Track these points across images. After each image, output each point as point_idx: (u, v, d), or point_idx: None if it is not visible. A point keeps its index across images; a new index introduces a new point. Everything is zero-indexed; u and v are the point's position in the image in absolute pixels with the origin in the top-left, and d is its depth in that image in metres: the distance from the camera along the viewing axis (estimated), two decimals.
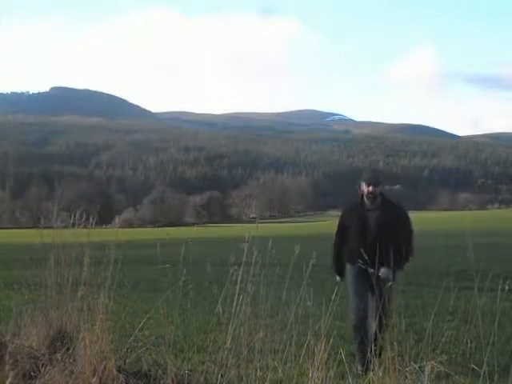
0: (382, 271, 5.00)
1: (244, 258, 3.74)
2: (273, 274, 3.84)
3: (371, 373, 3.47)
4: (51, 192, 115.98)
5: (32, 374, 3.99)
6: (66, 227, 5.00)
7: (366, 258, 4.71)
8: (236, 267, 3.72)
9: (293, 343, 3.56)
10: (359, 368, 4.83)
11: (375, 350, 3.86)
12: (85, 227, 4.95)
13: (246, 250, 3.74)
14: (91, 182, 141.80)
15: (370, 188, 5.25)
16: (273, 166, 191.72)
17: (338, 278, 5.56)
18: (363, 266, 4.78)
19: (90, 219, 5.06)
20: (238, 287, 3.66)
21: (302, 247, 3.88)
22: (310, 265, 3.76)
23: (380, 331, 4.45)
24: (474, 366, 3.32)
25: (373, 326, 4.88)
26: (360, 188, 5.42)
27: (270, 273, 3.84)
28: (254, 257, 3.74)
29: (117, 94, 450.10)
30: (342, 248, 5.46)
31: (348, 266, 5.36)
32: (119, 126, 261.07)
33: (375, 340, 4.37)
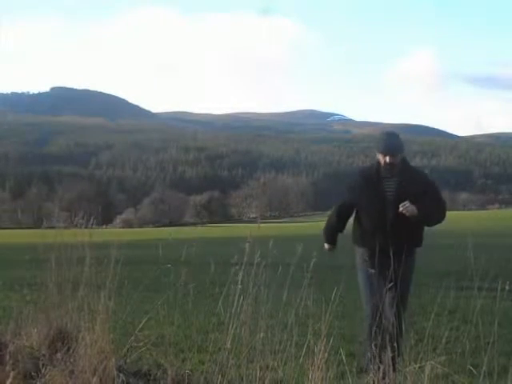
0: (406, 207, 4.12)
1: (245, 258, 3.74)
2: (274, 275, 3.84)
3: (371, 373, 3.47)
4: (51, 192, 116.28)
5: (32, 374, 4.00)
6: (66, 227, 5.00)
7: (383, 241, 4.08)
8: (237, 267, 3.72)
9: (293, 343, 3.56)
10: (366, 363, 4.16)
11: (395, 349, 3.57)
12: (85, 227, 4.96)
13: (247, 250, 3.74)
14: (91, 182, 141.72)
15: (387, 159, 4.30)
16: (273, 166, 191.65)
17: (326, 245, 4.75)
18: (372, 270, 4.14)
19: (91, 219, 5.07)
20: (238, 287, 3.66)
21: (302, 247, 3.88)
22: (311, 265, 3.76)
23: (400, 330, 3.94)
24: (470, 368, 3.33)
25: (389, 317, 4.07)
26: (377, 155, 4.46)
27: (272, 273, 3.85)
28: (256, 257, 3.75)
29: (117, 94, 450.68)
30: (341, 220, 4.61)
31: (359, 250, 4.49)
32: (119, 126, 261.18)
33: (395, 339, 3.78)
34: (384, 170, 4.35)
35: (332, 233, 4.76)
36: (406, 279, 4.22)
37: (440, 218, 4.39)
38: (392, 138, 4.44)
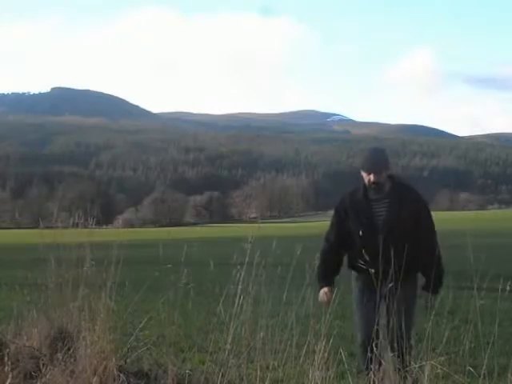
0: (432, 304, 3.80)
1: (246, 259, 3.74)
2: (274, 275, 3.85)
3: (371, 373, 3.47)
4: (52, 192, 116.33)
5: (33, 373, 4.00)
6: (66, 227, 5.01)
7: (375, 267, 3.62)
8: (238, 267, 3.73)
9: (293, 343, 3.57)
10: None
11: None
12: (85, 227, 4.96)
13: (248, 251, 3.74)
14: (91, 182, 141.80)
15: (372, 177, 3.94)
16: (273, 166, 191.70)
17: (322, 292, 4.03)
18: (364, 267, 3.71)
19: (91, 219, 5.07)
20: (239, 288, 3.66)
21: (303, 247, 3.89)
22: (313, 265, 3.76)
23: (403, 364, 3.52)
24: (470, 369, 3.33)
25: (387, 353, 3.63)
26: (362, 174, 4.07)
27: (272, 273, 3.85)
28: (256, 257, 3.75)
29: (117, 94, 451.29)
30: (335, 253, 4.13)
31: (353, 274, 4.16)
32: (119, 126, 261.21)
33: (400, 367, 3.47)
34: (370, 189, 4.01)
35: (328, 268, 4.11)
36: (405, 308, 3.76)
37: (435, 258, 3.93)
38: (376, 154, 4.10)
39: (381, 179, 3.96)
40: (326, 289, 4.04)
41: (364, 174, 4.01)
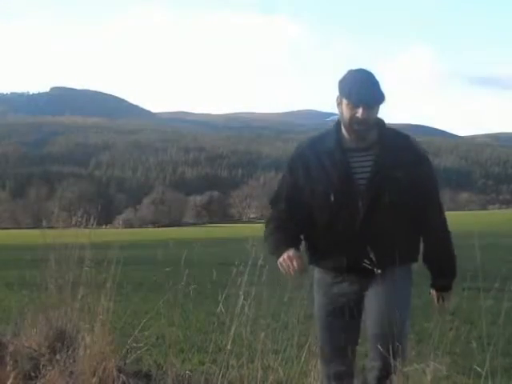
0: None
1: (249, 259, 3.72)
2: (275, 275, 3.83)
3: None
4: (51, 192, 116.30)
5: (32, 374, 3.98)
6: (66, 227, 4.99)
7: (350, 256, 2.61)
8: (240, 267, 3.71)
9: (294, 344, 3.55)
10: None
11: None
12: (86, 227, 4.95)
13: (250, 251, 3.72)
14: (91, 182, 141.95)
15: (361, 112, 2.55)
16: (273, 166, 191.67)
17: (283, 255, 2.68)
18: (369, 266, 2.50)
19: (91, 219, 5.06)
20: (241, 288, 3.64)
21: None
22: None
23: None
24: (477, 368, 3.31)
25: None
26: (339, 108, 2.66)
27: (273, 273, 3.83)
28: (258, 257, 3.73)
29: (117, 94, 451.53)
30: (290, 220, 2.76)
31: (316, 273, 2.87)
32: (119, 126, 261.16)
33: None
34: (350, 134, 2.65)
35: (283, 234, 2.80)
36: (397, 299, 2.69)
37: (445, 238, 2.79)
38: (368, 79, 2.63)
39: (372, 116, 2.61)
40: (289, 252, 2.66)
41: (346, 108, 2.61)
